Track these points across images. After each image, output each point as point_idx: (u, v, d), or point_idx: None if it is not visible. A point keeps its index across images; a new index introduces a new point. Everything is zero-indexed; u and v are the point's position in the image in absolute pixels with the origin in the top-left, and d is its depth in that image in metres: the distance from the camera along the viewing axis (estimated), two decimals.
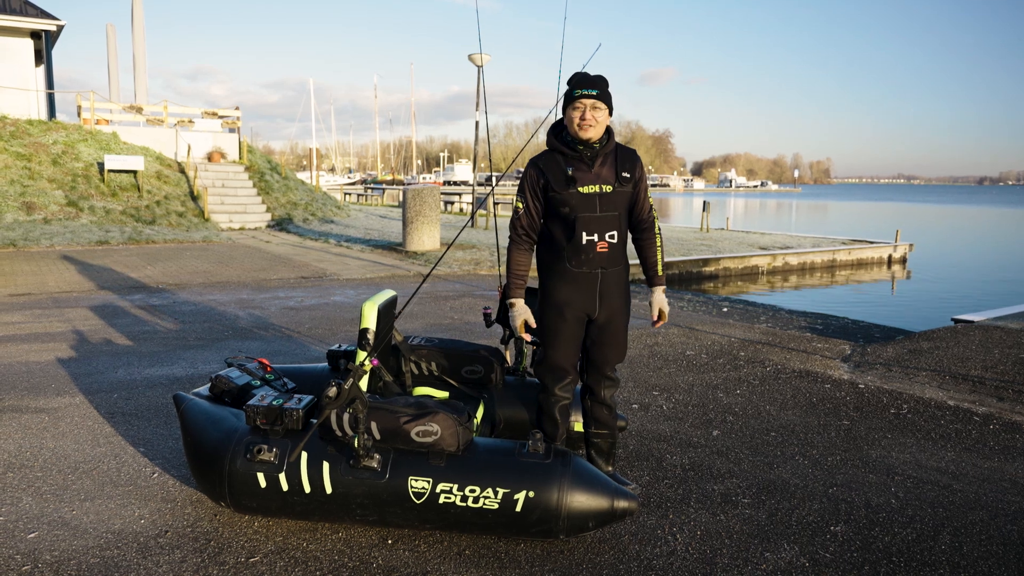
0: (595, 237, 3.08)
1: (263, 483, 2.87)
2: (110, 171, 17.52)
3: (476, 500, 2.77)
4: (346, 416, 2.81)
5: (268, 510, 2.94)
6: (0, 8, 19.83)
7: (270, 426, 2.90)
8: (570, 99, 3.05)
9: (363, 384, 3.02)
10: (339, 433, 2.83)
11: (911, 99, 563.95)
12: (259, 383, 3.44)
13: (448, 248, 3.34)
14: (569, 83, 3.08)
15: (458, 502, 2.77)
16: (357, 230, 18.21)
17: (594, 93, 3.00)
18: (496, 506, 2.76)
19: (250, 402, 2.94)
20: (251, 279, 10.31)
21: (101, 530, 2.97)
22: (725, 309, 8.55)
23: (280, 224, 18.94)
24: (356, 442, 2.81)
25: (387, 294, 3.35)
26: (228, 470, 2.90)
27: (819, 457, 3.87)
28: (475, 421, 3.43)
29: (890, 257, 18.09)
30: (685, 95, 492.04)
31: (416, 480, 2.80)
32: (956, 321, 7.33)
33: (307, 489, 2.85)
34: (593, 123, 3.00)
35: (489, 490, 2.76)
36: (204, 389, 3.44)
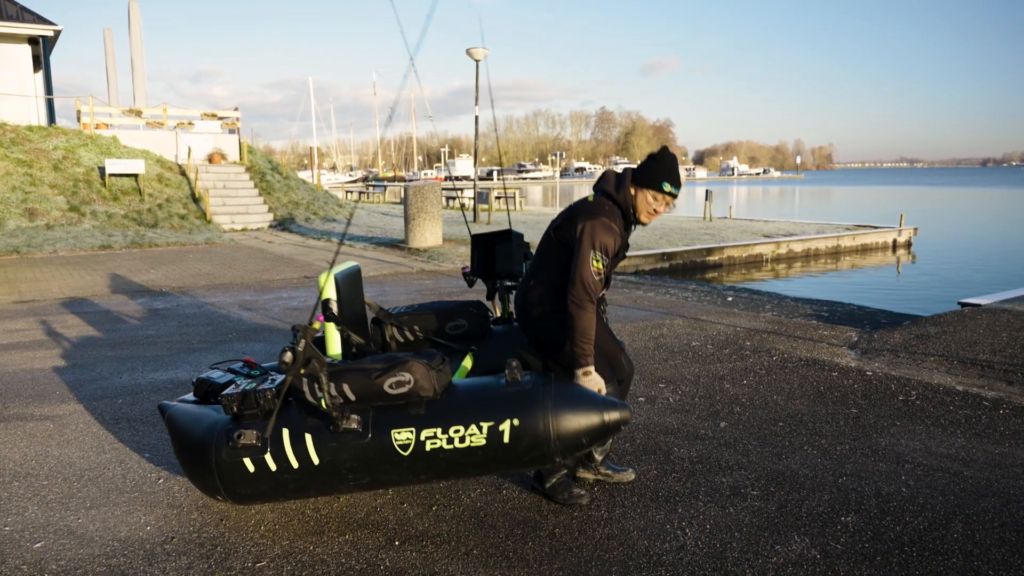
0: (608, 285, 3.25)
1: (251, 467, 2.84)
2: (111, 175, 17.51)
3: (462, 440, 2.71)
4: (328, 390, 2.77)
5: (263, 494, 2.91)
6: None
7: (248, 410, 2.89)
8: (654, 187, 2.99)
9: (335, 345, 3.06)
10: (313, 400, 2.78)
11: (913, 82, 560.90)
12: (243, 380, 3.42)
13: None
14: (659, 167, 3.01)
15: (445, 445, 2.72)
16: (359, 228, 18.19)
17: (677, 193, 3.02)
18: (484, 441, 2.70)
19: (224, 392, 2.92)
20: (254, 280, 10.30)
21: (107, 538, 2.96)
22: (730, 298, 8.51)
23: (282, 224, 18.93)
24: (323, 403, 2.77)
25: (347, 265, 3.38)
26: (215, 461, 2.88)
27: (828, 446, 3.84)
28: (465, 368, 3.42)
29: (895, 242, 18.01)
30: (688, 84, 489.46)
31: (399, 432, 2.74)
32: (963, 305, 7.28)
33: (295, 464, 2.81)
34: (659, 215, 3.08)
35: (473, 427, 2.71)
36: (190, 396, 3.42)
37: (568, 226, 3.04)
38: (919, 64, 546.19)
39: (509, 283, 3.92)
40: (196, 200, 18.44)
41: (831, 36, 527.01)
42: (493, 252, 3.83)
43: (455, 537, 2.93)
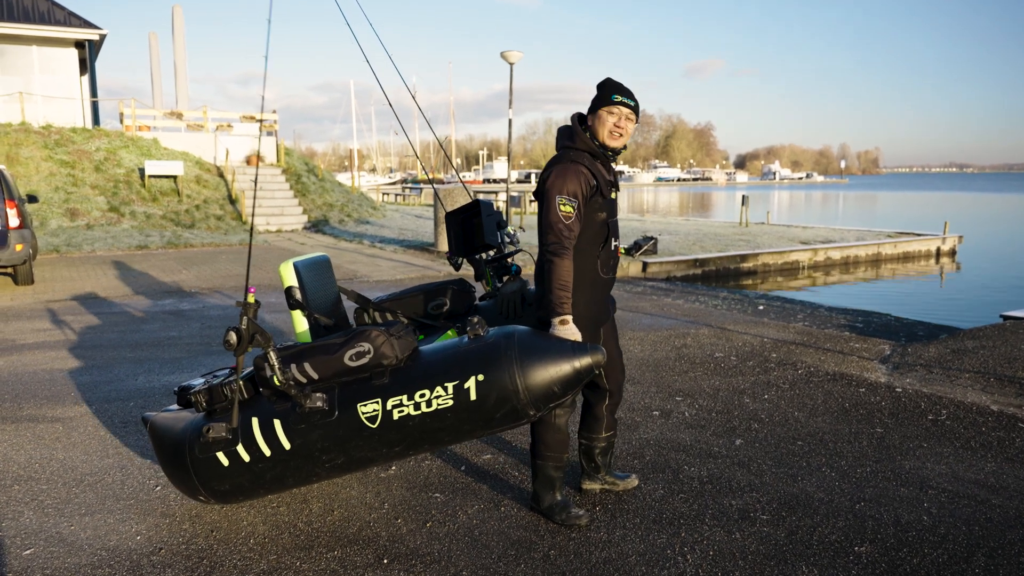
0: (617, 241, 3.09)
1: (225, 461, 2.78)
2: (151, 176, 17.85)
3: (429, 404, 2.61)
4: (277, 365, 2.70)
5: (243, 488, 2.85)
6: (45, 19, 20.36)
7: (217, 405, 2.83)
8: (605, 103, 2.92)
9: (303, 330, 3.05)
10: (280, 382, 2.70)
11: (963, 84, 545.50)
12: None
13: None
14: (603, 87, 2.97)
15: (412, 412, 2.62)
16: (391, 230, 18.24)
17: (632, 104, 2.94)
18: (451, 402, 2.60)
19: (193, 389, 2.88)
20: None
21: (96, 547, 2.93)
22: (761, 307, 8.29)
23: (316, 226, 19.08)
24: (275, 380, 2.69)
25: (311, 255, 3.40)
26: (190, 460, 2.84)
27: (848, 469, 3.66)
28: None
29: (938, 250, 17.44)
30: (731, 87, 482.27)
31: (365, 405, 2.66)
32: (1005, 318, 6.96)
33: (267, 452, 2.75)
34: (625, 133, 2.95)
35: (439, 388, 2.61)
36: (174, 406, 3.39)
37: (540, 188, 2.96)
38: (969, 66, 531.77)
39: (487, 256, 3.82)
40: (233, 201, 18.69)
41: (878, 38, 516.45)
42: (470, 227, 3.74)
43: (446, 556, 2.83)
